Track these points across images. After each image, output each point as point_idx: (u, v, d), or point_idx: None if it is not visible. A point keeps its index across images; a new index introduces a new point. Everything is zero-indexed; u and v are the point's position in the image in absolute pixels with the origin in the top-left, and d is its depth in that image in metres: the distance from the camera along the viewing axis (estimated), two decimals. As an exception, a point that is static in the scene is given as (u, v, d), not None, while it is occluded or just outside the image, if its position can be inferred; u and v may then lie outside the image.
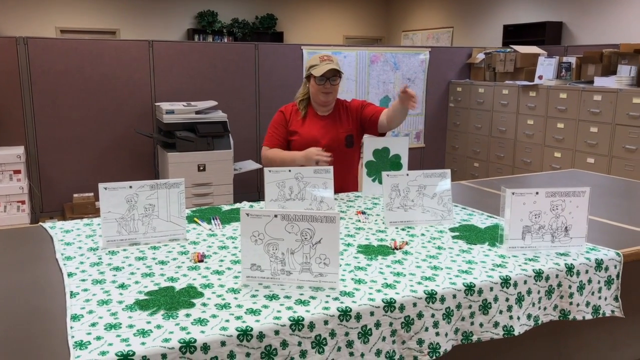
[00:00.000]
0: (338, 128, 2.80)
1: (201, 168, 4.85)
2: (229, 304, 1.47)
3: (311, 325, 1.41)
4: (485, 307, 1.65)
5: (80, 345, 1.24)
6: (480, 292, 1.64)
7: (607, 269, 1.86)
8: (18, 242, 2.02)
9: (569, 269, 1.79)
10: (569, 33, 8.45)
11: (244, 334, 1.33)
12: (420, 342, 1.56)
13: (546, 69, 5.68)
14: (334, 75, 2.69)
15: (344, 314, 1.45)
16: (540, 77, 5.70)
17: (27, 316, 1.41)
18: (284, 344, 1.37)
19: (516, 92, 5.83)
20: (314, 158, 2.53)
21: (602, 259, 1.85)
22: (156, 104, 5.16)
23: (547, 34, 8.41)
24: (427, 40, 11.63)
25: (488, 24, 10.09)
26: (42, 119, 4.93)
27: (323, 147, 2.72)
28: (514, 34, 9.12)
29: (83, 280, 1.62)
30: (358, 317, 1.47)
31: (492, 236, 2.05)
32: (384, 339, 1.51)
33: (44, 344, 1.28)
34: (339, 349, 1.45)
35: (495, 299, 1.67)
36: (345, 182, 2.78)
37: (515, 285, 1.70)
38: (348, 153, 2.82)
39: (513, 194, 1.87)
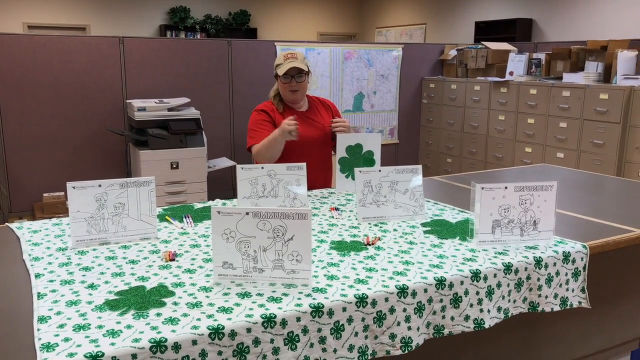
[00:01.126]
0: (323, 122, 2.84)
1: (174, 166, 4.80)
2: (201, 302, 1.46)
3: (283, 322, 1.41)
4: (456, 301, 1.68)
5: (48, 347, 1.22)
6: (451, 286, 1.66)
7: (574, 261, 1.90)
8: (-17, 243, 1.98)
9: (538, 262, 1.82)
10: (539, 30, 8.60)
11: (216, 333, 1.32)
12: (392, 336, 1.57)
13: (517, 65, 5.76)
14: (299, 72, 2.69)
15: (316, 310, 1.45)
16: (511, 73, 5.79)
17: (-8, 319, 1.38)
18: (256, 342, 1.37)
19: (487, 88, 5.91)
20: (288, 129, 2.54)
21: (569, 252, 1.89)
22: (128, 101, 5.09)
23: (517, 31, 8.54)
24: (401, 37, 11.70)
25: (460, 20, 10.20)
26: (9, 117, 4.82)
27: (313, 141, 2.75)
28: (485, 30, 9.24)
29: (51, 281, 1.59)
30: (330, 313, 1.47)
31: (462, 231, 2.08)
32: (356, 334, 1.52)
33: (10, 347, 1.26)
34: (311, 345, 1.45)
35: (466, 293, 1.69)
36: (330, 177, 2.84)
37: (486, 278, 1.72)
38: (328, 147, 2.87)
39: (483, 188, 1.90)
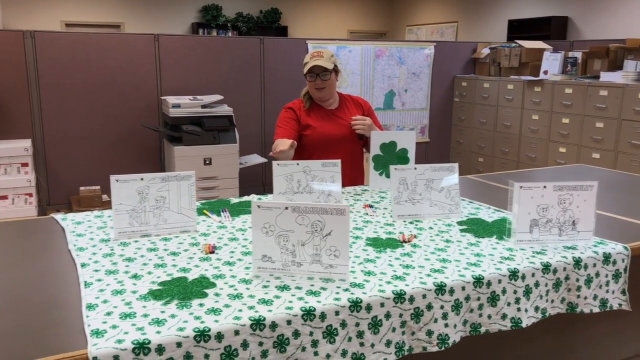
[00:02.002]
0: (349, 120, 2.84)
1: (207, 162, 4.87)
2: (241, 294, 1.49)
3: (322, 316, 1.43)
4: (493, 299, 1.67)
5: (97, 333, 1.26)
6: (488, 284, 1.66)
7: (614, 262, 1.87)
8: (30, 233, 2.05)
9: (577, 262, 1.80)
10: (575, 28, 8.44)
11: (257, 324, 1.35)
12: (429, 333, 1.58)
13: (551, 64, 5.67)
14: (323, 71, 2.71)
15: (355, 305, 1.47)
16: (546, 72, 5.70)
17: (43, 305, 1.43)
18: (296, 334, 1.39)
19: (521, 87, 5.83)
20: (272, 154, 2.57)
21: (609, 253, 1.87)
22: (162, 97, 5.18)
23: (552, 29, 8.40)
24: (432, 35, 11.62)
25: (493, 18, 10.07)
26: (48, 113, 4.96)
27: (337, 139, 2.76)
28: (519, 28, 9.11)
29: (96, 270, 1.64)
30: (368, 308, 1.48)
31: (499, 229, 2.07)
32: (393, 329, 1.53)
33: (62, 333, 1.31)
34: (349, 339, 1.47)
35: (504, 291, 1.68)
36: (357, 175, 2.84)
37: (523, 277, 1.71)
38: (359, 145, 2.87)
39: (521, 187, 1.88)
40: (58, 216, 2.18)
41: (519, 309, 1.71)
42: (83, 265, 1.68)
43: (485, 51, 6.57)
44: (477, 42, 6.87)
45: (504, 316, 1.69)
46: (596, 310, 1.85)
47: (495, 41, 7.54)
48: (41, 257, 1.78)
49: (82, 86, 5.03)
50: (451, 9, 11.14)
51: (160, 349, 1.24)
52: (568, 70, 5.58)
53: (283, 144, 2.57)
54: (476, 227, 2.09)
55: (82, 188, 5.06)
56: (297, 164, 2.32)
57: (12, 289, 1.53)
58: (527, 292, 1.72)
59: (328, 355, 1.43)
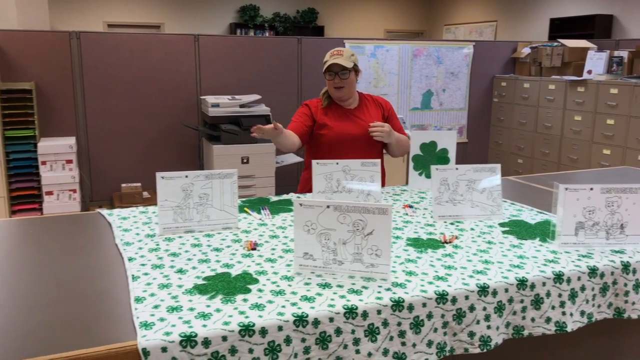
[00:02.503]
0: (368, 120, 2.79)
1: (245, 160, 4.92)
2: (284, 290, 1.51)
3: (364, 314, 1.43)
4: (537, 302, 1.64)
5: (146, 325, 1.30)
6: (532, 287, 1.63)
7: (664, 267, 1.82)
8: (79, 227, 2.11)
9: (625, 266, 1.76)
10: (620, 26, 8.20)
11: (300, 320, 1.36)
12: (471, 334, 1.56)
13: (596, 63, 5.53)
14: (342, 69, 2.69)
15: (397, 305, 1.47)
16: (590, 72, 5.56)
17: (93, 297, 1.48)
18: (338, 332, 1.40)
19: (563, 88, 5.70)
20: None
21: (659, 257, 1.81)
22: (202, 97, 5.27)
23: (596, 27, 8.19)
24: (470, 34, 11.46)
25: (533, 17, 9.87)
26: (92, 111, 5.10)
27: (353, 138, 2.74)
28: (561, 27, 8.90)
29: (143, 264, 1.68)
30: (410, 308, 1.48)
31: (543, 232, 2.03)
32: (435, 330, 1.52)
33: (112, 324, 1.35)
34: (391, 338, 1.47)
35: (548, 294, 1.65)
36: None
37: (569, 281, 1.68)
38: (377, 146, 2.82)
39: (567, 189, 1.85)
40: (104, 211, 2.24)
41: (563, 313, 1.67)
42: (130, 259, 1.72)
43: (526, 50, 6.45)
44: (517, 41, 6.75)
45: (548, 320, 1.66)
46: (644, 316, 1.80)
47: (536, 40, 7.39)
48: (89, 251, 1.84)
49: (124, 85, 5.16)
50: (490, 8, 10.96)
51: (206, 342, 1.27)
52: (613, 70, 5.43)
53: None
54: (519, 229, 2.06)
55: (123, 185, 5.19)
56: (337, 163, 2.33)
57: (64, 282, 1.58)
58: (573, 296, 1.69)
59: (369, 354, 1.44)
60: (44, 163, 4.65)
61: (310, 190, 2.55)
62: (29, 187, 4.70)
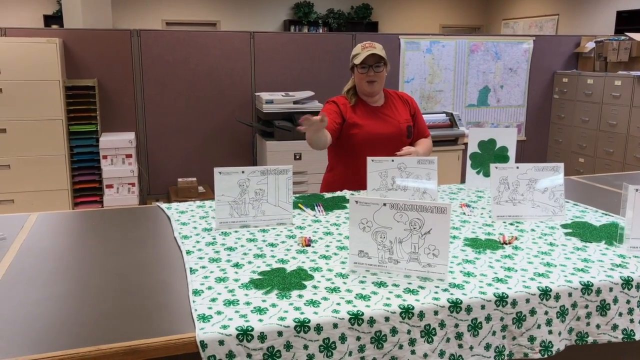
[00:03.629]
0: (397, 118, 2.73)
1: (297, 157, 4.95)
2: (339, 288, 1.50)
3: (421, 315, 1.40)
4: (603, 308, 1.57)
5: (204, 318, 1.32)
6: (598, 292, 1.56)
7: None
8: (139, 220, 2.18)
9: (700, 273, 1.65)
10: (693, 19, 7.74)
11: (356, 318, 1.35)
12: (531, 339, 1.51)
13: (666, 58, 5.23)
14: (377, 62, 2.61)
15: (455, 306, 1.43)
16: (659, 67, 5.27)
17: (153, 289, 1.52)
18: (394, 331, 1.38)
19: (630, 84, 5.43)
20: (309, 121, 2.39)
21: None
22: (256, 93, 5.33)
23: (666, 20, 7.76)
24: (530, 28, 11.10)
25: (598, 10, 9.46)
26: (151, 107, 5.25)
27: (385, 137, 2.67)
28: (629, 20, 8.49)
29: (200, 258, 1.71)
30: (468, 309, 1.44)
31: (609, 235, 1.94)
32: (494, 333, 1.48)
33: (171, 315, 1.38)
34: (447, 340, 1.44)
35: (615, 301, 1.58)
36: None
37: (638, 287, 1.59)
38: (407, 144, 2.75)
39: (637, 190, 1.75)
40: (163, 205, 2.30)
41: (632, 320, 1.59)
42: (188, 252, 1.76)
43: (590, 45, 6.18)
44: (581, 35, 6.48)
45: (614, 327, 1.58)
46: None
47: (601, 34, 7.07)
48: (149, 243, 1.89)
49: (181, 82, 5.28)
50: (551, 1, 10.58)
51: (262, 337, 1.27)
52: (685, 64, 5.13)
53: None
54: (582, 231, 1.98)
55: (179, 179, 5.32)
56: (392, 161, 2.30)
57: (126, 273, 1.63)
58: (642, 302, 1.60)
59: (425, 355, 1.41)
60: (105, 157, 4.82)
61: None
62: (91, 181, 4.89)
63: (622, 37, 5.90)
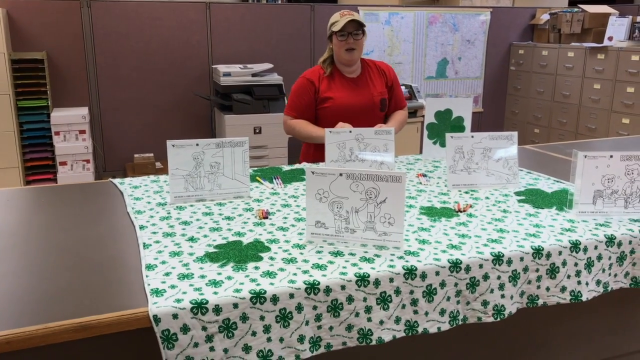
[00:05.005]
0: (372, 91, 2.73)
1: (257, 130, 4.90)
2: (295, 258, 1.50)
3: (376, 282, 1.42)
4: (552, 272, 1.62)
5: (157, 292, 1.30)
6: (548, 255, 1.61)
7: (684, 237, 1.78)
8: (91, 196, 2.11)
9: (644, 235, 1.72)
10: (643, -9, 7.93)
11: (312, 288, 1.35)
12: (485, 303, 1.54)
13: (617, 29, 5.37)
14: (356, 29, 2.61)
15: (409, 273, 1.45)
16: (610, 39, 5.41)
17: (105, 265, 1.48)
18: (350, 299, 1.39)
19: (582, 55, 5.56)
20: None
21: (679, 227, 1.77)
22: (213, 66, 5.22)
23: (618, -7, 7.92)
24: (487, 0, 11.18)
25: (553, -18, 9.58)
26: (104, 81, 5.08)
27: (357, 110, 2.68)
28: (582, -7, 8.63)
29: (154, 232, 1.68)
30: (423, 276, 1.46)
31: (559, 201, 1.99)
32: (448, 298, 1.50)
33: (123, 291, 1.35)
34: (403, 306, 1.46)
35: (564, 264, 1.63)
36: None
37: (585, 250, 1.65)
38: (380, 116, 2.77)
39: (585, 157, 1.80)
40: (116, 180, 2.24)
41: (579, 282, 1.65)
42: (141, 227, 1.72)
43: (545, 17, 6.27)
44: (536, 7, 6.57)
45: (563, 289, 1.63)
46: (662, 286, 1.77)
47: (555, 6, 7.18)
48: (102, 219, 1.84)
49: (135, 54, 5.12)
50: (508, -26, 10.66)
51: (217, 309, 1.26)
52: (635, 36, 5.27)
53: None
54: (535, 198, 2.03)
55: (136, 155, 5.20)
56: (350, 132, 2.29)
57: (76, 249, 1.59)
58: (589, 265, 1.66)
59: (381, 322, 1.43)
60: (57, 133, 4.66)
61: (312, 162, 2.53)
62: (43, 158, 4.73)
63: (576, 9, 6.01)
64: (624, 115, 5.17)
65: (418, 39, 5.93)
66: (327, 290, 1.37)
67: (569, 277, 1.64)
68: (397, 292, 1.44)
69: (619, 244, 1.70)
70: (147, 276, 1.38)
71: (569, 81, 5.74)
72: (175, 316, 1.23)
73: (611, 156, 1.80)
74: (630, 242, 1.71)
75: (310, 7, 5.59)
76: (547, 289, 1.63)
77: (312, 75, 2.74)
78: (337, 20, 2.63)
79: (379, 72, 2.80)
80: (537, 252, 1.59)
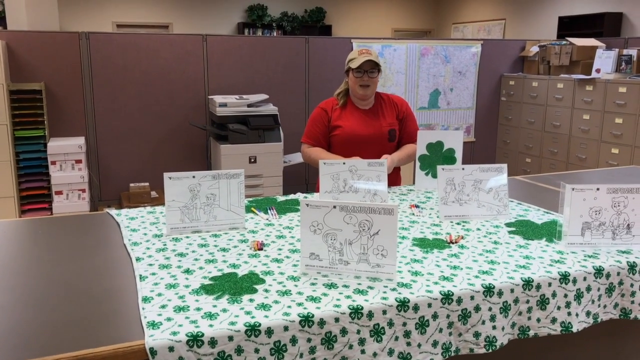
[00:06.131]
0: (381, 121, 2.83)
1: (252, 160, 4.94)
2: (290, 290, 1.52)
3: (370, 314, 1.44)
4: (543, 303, 1.65)
5: (153, 325, 1.31)
6: (538, 287, 1.63)
7: (671, 268, 1.81)
8: (87, 227, 2.13)
9: (631, 267, 1.75)
10: (630, 24, 8.14)
11: (306, 320, 1.37)
12: (476, 334, 1.57)
13: (604, 62, 5.50)
14: (372, 68, 2.71)
15: (402, 305, 1.47)
16: (598, 71, 5.53)
17: (101, 297, 1.50)
18: (344, 332, 1.41)
19: (571, 86, 5.67)
20: None
21: (666, 258, 1.81)
22: (209, 97, 5.29)
23: (605, 26, 8.14)
24: (478, 32, 11.42)
25: (542, 15, 9.82)
26: (101, 111, 5.13)
27: (366, 139, 2.76)
28: (570, 25, 8.86)
29: (150, 264, 1.70)
30: (416, 308, 1.49)
31: (549, 232, 2.03)
32: (440, 330, 1.53)
33: (120, 323, 1.36)
34: (396, 338, 1.48)
35: (554, 295, 1.65)
36: (391, 176, 2.81)
37: (575, 281, 1.68)
38: (390, 147, 2.84)
39: (573, 189, 1.84)
40: (112, 211, 2.26)
41: (569, 314, 1.67)
42: (138, 259, 1.74)
43: (534, 49, 6.42)
44: (526, 39, 6.72)
45: (553, 320, 1.66)
46: (651, 317, 1.80)
47: (544, 39, 7.35)
48: (97, 251, 1.86)
49: (132, 85, 5.19)
50: (499, 6, 10.92)
51: (212, 342, 1.28)
52: (622, 68, 5.39)
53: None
54: (525, 229, 2.06)
55: (132, 184, 5.22)
56: (344, 163, 2.34)
57: (71, 281, 1.60)
58: (579, 296, 1.69)
59: (375, 354, 1.44)
60: (53, 163, 4.69)
61: None
62: (39, 187, 4.75)
63: (564, 42, 6.15)
64: (613, 145, 5.26)
65: (410, 71, 6.04)
66: (321, 322, 1.39)
67: (559, 308, 1.66)
68: (390, 324, 1.46)
69: (607, 275, 1.73)
70: (143, 308, 1.40)
71: (559, 112, 5.85)
72: (171, 349, 1.25)
73: (598, 189, 1.85)
74: (618, 274, 1.74)
75: (305, 40, 5.70)
76: (538, 320, 1.65)
77: (327, 105, 2.89)
78: (355, 58, 2.74)
79: (392, 105, 2.91)
80: (527, 283, 1.62)
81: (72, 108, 5.04)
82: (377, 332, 1.45)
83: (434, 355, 1.52)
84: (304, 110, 5.75)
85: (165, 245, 1.87)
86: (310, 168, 5.72)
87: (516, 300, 1.61)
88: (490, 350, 1.58)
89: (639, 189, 1.84)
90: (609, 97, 5.27)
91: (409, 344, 1.49)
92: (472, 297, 1.55)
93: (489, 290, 1.57)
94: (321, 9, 11.88)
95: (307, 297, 1.48)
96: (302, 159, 2.99)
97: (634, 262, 1.76)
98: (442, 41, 6.30)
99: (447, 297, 1.52)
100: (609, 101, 5.27)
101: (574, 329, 1.68)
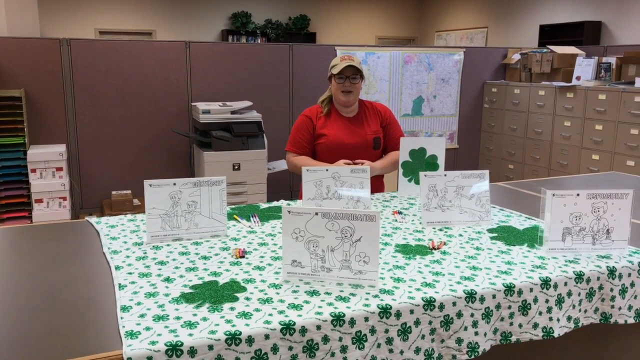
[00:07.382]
0: (365, 129, 2.83)
1: (236, 167, 4.92)
2: (271, 298, 1.51)
3: (352, 322, 1.43)
4: (524, 308, 1.65)
5: (132, 335, 1.29)
6: (520, 292, 1.64)
7: (650, 272, 1.83)
8: (66, 235, 2.10)
9: (611, 271, 1.77)
10: (609, 33, 8.28)
11: (287, 328, 1.36)
12: (459, 341, 1.56)
13: (584, 69, 5.57)
14: (354, 73, 2.71)
15: (384, 311, 1.47)
16: (578, 78, 5.61)
17: (79, 306, 1.47)
18: (326, 339, 1.40)
19: (553, 93, 5.74)
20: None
21: (645, 263, 1.82)
22: (193, 104, 5.26)
23: (585, 34, 8.26)
24: (461, 40, 11.54)
25: (523, 24, 9.95)
26: (82, 118, 5.08)
27: (350, 147, 2.75)
28: (551, 34, 8.98)
29: (130, 273, 1.67)
30: (398, 314, 1.48)
31: (531, 237, 2.04)
32: (423, 337, 1.52)
33: (97, 333, 1.34)
34: (378, 345, 1.47)
35: (535, 300, 1.66)
36: (375, 183, 2.81)
37: (556, 286, 1.69)
38: (375, 155, 2.85)
39: (554, 195, 1.86)
40: (92, 219, 2.23)
41: (550, 319, 1.68)
42: (117, 267, 1.72)
43: (516, 57, 6.49)
44: (508, 47, 6.79)
45: (535, 325, 1.66)
46: (631, 321, 1.81)
47: (526, 47, 7.44)
48: (77, 260, 1.83)
49: (114, 92, 5.14)
50: (481, 15, 11.04)
51: (192, 352, 1.26)
52: (602, 76, 5.48)
53: (348, 164, 2.62)
54: (507, 235, 2.07)
55: (113, 192, 5.16)
56: (327, 170, 2.33)
57: (49, 290, 1.57)
58: (560, 301, 1.69)
59: (357, 361, 1.43)
60: (33, 171, 4.62)
61: None
62: (19, 195, 4.67)
63: (545, 50, 6.23)
64: (593, 151, 5.33)
65: (394, 78, 6.07)
66: (303, 330, 1.38)
67: (540, 313, 1.67)
68: (373, 331, 1.46)
69: (588, 280, 1.74)
70: (122, 318, 1.38)
71: (541, 118, 5.91)
72: (149, 358, 1.23)
73: (578, 194, 1.86)
74: (598, 278, 1.76)
75: (289, 47, 5.71)
76: (520, 325, 1.66)
77: (311, 113, 2.88)
78: (336, 64, 2.75)
79: (375, 113, 2.91)
80: (509, 289, 1.63)
81: (53, 115, 4.98)
82: (359, 340, 1.44)
83: (416, 362, 1.51)
84: (288, 117, 5.75)
85: (145, 253, 1.85)
86: (295, 175, 5.71)
87: (498, 306, 1.62)
88: (473, 357, 1.58)
89: (617, 195, 1.86)
90: (589, 104, 5.34)
91: (391, 350, 1.48)
92: (454, 303, 1.55)
93: (471, 296, 1.57)
94: (305, 17, 11.92)
95: (289, 304, 1.47)
96: (287, 167, 2.97)
97: (613, 266, 1.78)
98: (426, 49, 6.35)
99: (429, 304, 1.52)
100: (589, 108, 5.34)
101: (556, 334, 1.68)
